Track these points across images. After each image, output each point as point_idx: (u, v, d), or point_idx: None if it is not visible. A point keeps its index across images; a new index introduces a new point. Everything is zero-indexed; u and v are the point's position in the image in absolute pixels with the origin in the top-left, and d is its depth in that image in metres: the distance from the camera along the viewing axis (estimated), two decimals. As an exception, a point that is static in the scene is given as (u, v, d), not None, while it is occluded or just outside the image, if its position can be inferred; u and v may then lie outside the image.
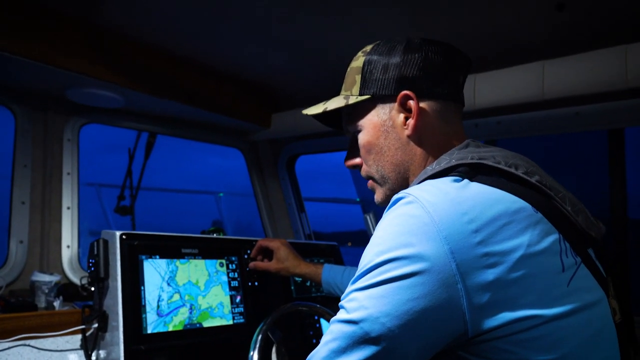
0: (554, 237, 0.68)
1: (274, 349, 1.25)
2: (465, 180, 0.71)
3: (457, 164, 0.75)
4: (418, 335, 0.64)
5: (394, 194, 0.76)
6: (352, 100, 0.87)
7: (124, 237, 1.30)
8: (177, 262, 1.38)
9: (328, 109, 0.91)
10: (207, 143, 2.37)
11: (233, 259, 1.52)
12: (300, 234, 2.40)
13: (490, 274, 0.62)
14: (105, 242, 1.30)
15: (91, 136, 2.11)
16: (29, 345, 1.21)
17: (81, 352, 1.27)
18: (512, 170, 0.73)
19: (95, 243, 1.30)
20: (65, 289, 1.54)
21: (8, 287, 1.57)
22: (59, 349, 1.25)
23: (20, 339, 1.19)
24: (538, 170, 0.76)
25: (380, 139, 0.86)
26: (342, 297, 0.72)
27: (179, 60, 1.75)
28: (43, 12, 1.39)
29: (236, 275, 1.50)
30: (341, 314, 0.70)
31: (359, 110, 0.88)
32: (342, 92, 0.91)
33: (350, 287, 0.71)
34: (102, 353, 1.26)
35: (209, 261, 1.46)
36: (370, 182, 0.93)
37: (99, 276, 1.27)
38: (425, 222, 0.65)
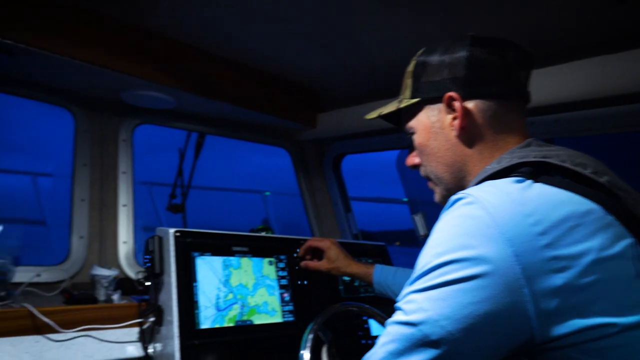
0: (627, 241, 0.64)
1: (324, 349, 1.25)
2: (529, 181, 0.68)
3: (519, 162, 0.73)
4: (479, 340, 0.63)
5: (450, 194, 0.75)
6: (404, 103, 0.90)
7: (177, 234, 1.34)
8: (229, 260, 1.41)
9: (383, 113, 0.96)
10: (254, 143, 2.40)
11: (282, 257, 1.54)
12: (347, 233, 2.39)
13: (558, 279, 0.60)
14: (160, 239, 1.34)
15: (144, 136, 2.18)
16: (91, 336, 1.26)
17: (139, 345, 1.32)
18: (580, 169, 0.69)
19: (150, 240, 1.34)
20: (123, 283, 1.60)
21: (71, 280, 1.66)
22: (118, 340, 1.30)
23: (83, 330, 1.25)
24: (607, 170, 0.72)
25: (430, 140, 0.87)
26: (399, 298, 0.71)
27: (226, 62, 1.78)
28: (99, 18, 1.45)
29: (285, 273, 1.52)
30: (399, 316, 0.69)
31: (412, 112, 0.90)
32: (400, 95, 0.93)
33: (407, 289, 0.70)
34: (158, 346, 1.30)
35: (258, 259, 1.48)
36: (429, 182, 0.94)
37: (154, 272, 1.32)
38: (487, 223, 0.63)
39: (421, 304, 0.66)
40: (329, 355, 1.26)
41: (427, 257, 0.69)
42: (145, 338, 1.30)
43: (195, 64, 1.71)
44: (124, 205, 1.88)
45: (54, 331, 1.21)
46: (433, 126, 0.87)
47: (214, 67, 1.76)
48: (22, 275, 1.53)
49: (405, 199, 2.46)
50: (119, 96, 1.77)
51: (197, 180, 2.17)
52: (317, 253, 1.55)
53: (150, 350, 1.30)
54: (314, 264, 1.51)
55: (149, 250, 1.34)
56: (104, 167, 1.88)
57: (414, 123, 0.90)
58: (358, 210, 2.46)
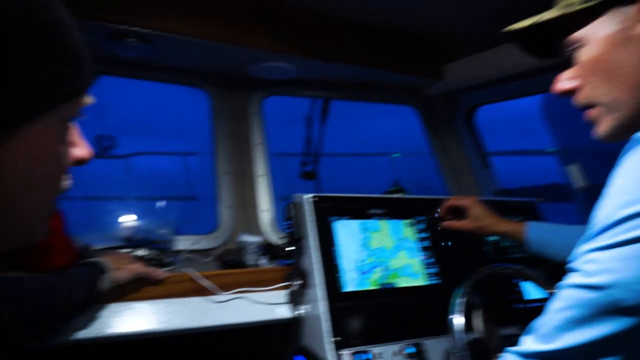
0: None
1: (476, 314, 1.17)
2: None
3: None
4: None
5: (625, 126, 0.60)
6: (576, 7, 0.71)
7: (314, 199, 1.35)
8: (367, 223, 1.39)
9: (543, 19, 0.76)
10: (379, 103, 2.33)
11: (421, 218, 1.47)
12: (487, 191, 2.22)
13: None
14: (298, 205, 1.37)
15: (274, 110, 2.25)
16: (245, 298, 1.35)
17: (288, 307, 1.37)
18: None
19: (289, 206, 1.37)
20: (268, 249, 1.69)
21: (223, 246, 1.80)
22: (268, 302, 1.37)
23: (237, 292, 1.34)
24: None
25: (612, 53, 0.69)
26: (572, 257, 0.61)
27: (344, 22, 1.73)
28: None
29: (426, 235, 1.45)
30: (576, 278, 0.59)
31: (583, 19, 0.72)
32: (559, 3, 0.75)
33: (585, 246, 0.59)
34: (306, 308, 1.34)
35: (396, 221, 1.43)
36: (591, 111, 0.75)
37: (295, 237, 1.35)
38: None
39: (607, 263, 0.55)
40: (482, 320, 1.17)
41: (609, 208, 0.57)
42: (294, 300, 1.35)
43: (314, 29, 1.68)
44: (261, 175, 1.97)
45: (213, 293, 1.31)
46: (617, 35, 0.69)
47: (333, 29, 1.72)
48: (182, 243, 1.69)
49: (553, 149, 2.19)
50: (246, 71, 1.83)
51: (325, 147, 2.19)
52: (459, 212, 1.45)
53: (299, 312, 1.35)
54: (456, 223, 1.42)
55: (288, 217, 1.38)
56: (240, 140, 1.98)
57: (585, 32, 0.72)
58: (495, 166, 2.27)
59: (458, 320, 1.11)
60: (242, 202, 1.92)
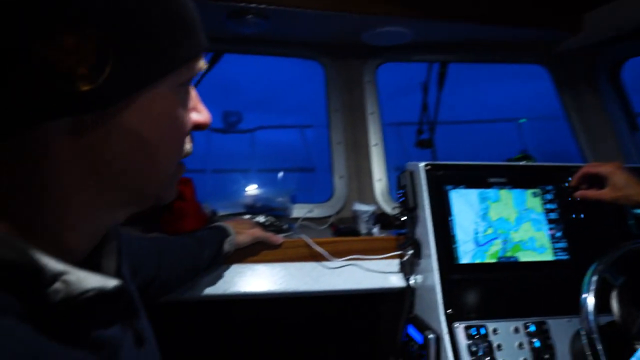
0: None
1: (613, 294, 1.04)
2: None
3: None
4: None
5: None
6: None
7: (428, 167, 1.29)
8: (486, 193, 1.30)
9: None
10: (503, 64, 2.14)
11: (549, 188, 1.33)
12: (634, 157, 1.94)
13: None
14: (411, 174, 1.33)
15: (387, 79, 2.19)
16: (357, 265, 1.36)
17: (400, 275, 1.36)
18: None
19: (402, 175, 1.34)
20: (381, 218, 1.68)
21: (337, 215, 1.83)
22: (380, 270, 1.37)
23: (350, 259, 1.36)
24: None
25: None
26: None
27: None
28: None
29: (554, 206, 1.31)
30: None
31: None
32: None
33: None
34: (418, 278, 1.31)
35: (520, 191, 1.32)
36: None
37: (408, 206, 1.32)
38: None
39: None
40: (620, 301, 1.04)
41: None
42: (406, 270, 1.33)
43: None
44: (375, 145, 1.95)
45: (326, 259, 1.34)
46: None
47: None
48: (299, 211, 1.76)
49: None
50: (360, 39, 1.80)
51: (443, 114, 2.08)
52: (596, 181, 1.28)
53: (411, 281, 1.32)
54: (593, 193, 1.26)
55: (401, 185, 1.35)
56: (354, 110, 1.97)
57: None
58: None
59: (591, 299, 0.99)
60: (355, 171, 1.93)
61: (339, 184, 1.90)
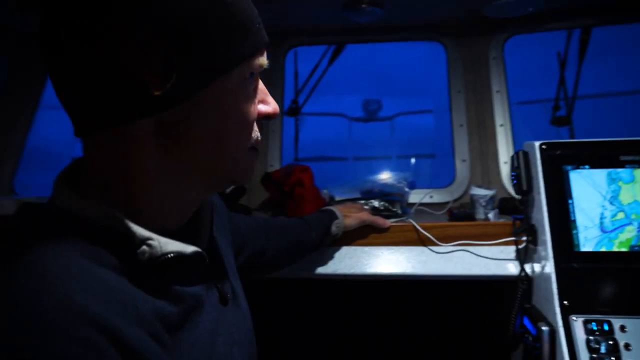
0: None
1: None
2: None
3: None
4: None
5: None
6: None
7: (543, 147, 1.19)
8: (617, 173, 1.14)
9: None
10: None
11: (702, 165, 1.11)
12: None
13: None
14: (525, 154, 1.23)
15: (512, 56, 2.03)
16: (468, 251, 1.32)
17: (515, 263, 1.28)
18: None
19: (515, 155, 1.25)
20: (504, 203, 1.59)
21: (458, 200, 1.78)
22: (494, 257, 1.30)
23: (459, 244, 1.32)
24: None
25: None
26: None
27: None
28: None
29: None
30: None
31: None
32: None
33: None
34: (535, 266, 1.23)
35: (662, 170, 1.13)
36: None
37: (521, 189, 1.23)
38: None
39: None
40: None
41: None
42: (521, 257, 1.25)
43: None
44: (501, 125, 1.83)
45: (435, 244, 1.33)
46: None
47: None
48: (417, 197, 1.76)
49: None
50: (483, 13, 1.70)
51: (583, 88, 1.85)
52: None
53: (527, 269, 1.24)
54: None
55: (514, 167, 1.26)
56: (477, 89, 1.88)
57: None
58: None
59: None
60: (479, 154, 1.84)
61: (461, 168, 1.84)
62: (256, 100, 0.64)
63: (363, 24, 1.87)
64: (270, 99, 0.66)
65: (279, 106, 1.96)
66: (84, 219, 0.54)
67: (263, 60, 0.62)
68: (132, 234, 0.55)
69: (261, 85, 0.65)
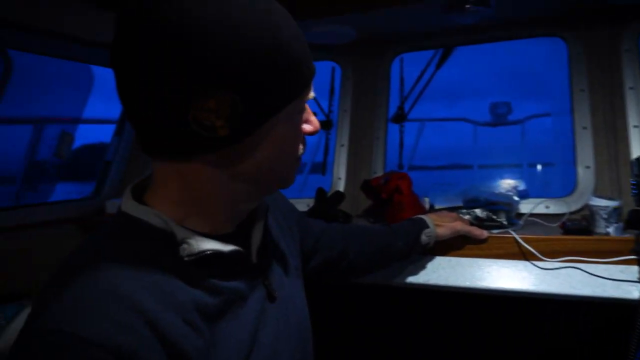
0: None
1: None
2: None
3: None
4: None
5: None
6: None
7: (672, 151, 1.02)
8: None
9: None
10: None
11: None
12: None
13: None
14: (647, 160, 1.07)
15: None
16: (578, 268, 1.18)
17: (636, 285, 1.11)
18: None
19: (636, 161, 1.09)
20: (634, 215, 1.38)
21: (576, 213, 1.59)
22: (611, 277, 1.14)
23: (567, 261, 1.19)
24: None
25: None
26: None
27: None
28: None
29: None
30: None
31: None
32: None
33: None
34: (661, 291, 1.05)
35: None
36: None
37: (642, 200, 1.06)
38: None
39: None
40: None
41: None
42: (644, 279, 1.08)
43: None
44: (635, 127, 1.59)
45: (539, 258, 1.22)
46: None
47: None
48: (528, 206, 1.62)
49: None
50: (612, 0, 1.52)
51: None
52: None
53: (651, 294, 1.06)
54: None
55: (634, 174, 1.10)
56: (606, 87, 1.66)
57: None
58: None
59: None
60: (607, 160, 1.62)
61: (584, 175, 1.64)
62: (303, 122, 0.71)
63: (470, 25, 1.79)
64: (313, 118, 0.73)
65: (383, 113, 1.98)
66: (140, 222, 0.64)
67: (311, 91, 0.69)
68: (175, 234, 0.63)
69: (306, 106, 0.71)
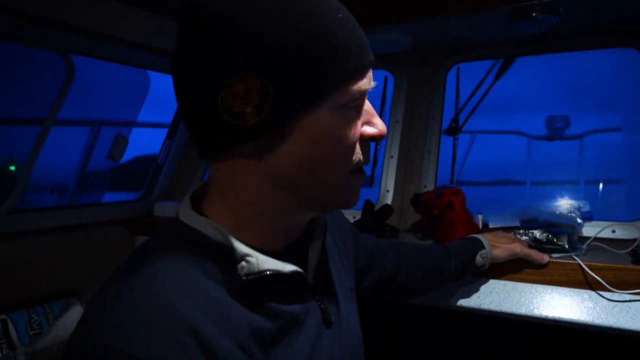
0: None
1: None
2: None
3: None
4: None
5: None
6: None
7: None
8: None
9: None
10: None
11: None
12: None
13: None
14: None
15: None
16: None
17: None
18: None
19: None
20: None
21: (649, 238, 1.46)
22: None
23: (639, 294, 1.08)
24: None
25: None
26: None
27: None
28: None
29: None
30: None
31: None
32: None
33: None
34: None
35: None
36: None
37: None
38: None
39: None
40: None
41: None
42: None
43: None
44: None
45: (606, 289, 1.11)
46: None
47: None
48: (594, 230, 1.50)
49: None
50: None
51: None
52: None
53: None
54: None
55: None
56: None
57: None
58: None
59: None
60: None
61: (658, 198, 1.51)
62: (359, 122, 0.63)
63: (535, 34, 1.70)
64: (377, 120, 0.64)
65: (437, 125, 1.91)
66: (198, 234, 0.61)
67: (363, 84, 0.60)
68: (234, 249, 0.59)
69: (367, 106, 0.64)
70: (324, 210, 0.69)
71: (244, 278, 0.59)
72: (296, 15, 0.55)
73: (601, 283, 1.11)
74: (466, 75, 1.97)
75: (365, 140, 0.64)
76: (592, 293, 1.13)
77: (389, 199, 1.91)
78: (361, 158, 0.64)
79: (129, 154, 2.09)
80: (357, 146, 0.62)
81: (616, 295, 1.10)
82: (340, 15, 0.58)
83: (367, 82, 0.61)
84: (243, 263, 0.59)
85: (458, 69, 1.98)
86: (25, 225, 1.65)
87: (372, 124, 0.64)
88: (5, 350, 1.55)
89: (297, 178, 0.61)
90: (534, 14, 1.51)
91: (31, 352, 1.59)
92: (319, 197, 0.64)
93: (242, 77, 0.54)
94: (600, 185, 2.68)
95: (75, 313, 1.73)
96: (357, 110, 0.62)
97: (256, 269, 0.59)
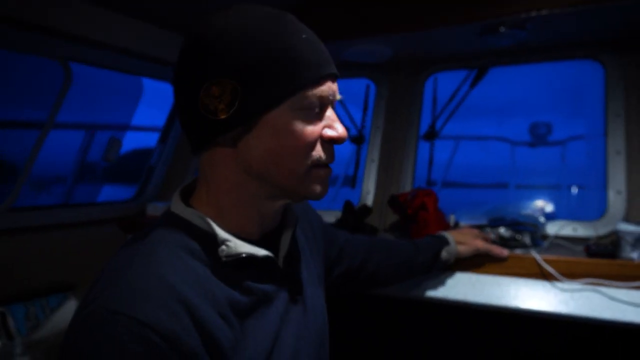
0: None
1: None
2: None
3: None
4: None
5: None
6: None
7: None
8: None
9: None
10: None
11: None
12: None
13: None
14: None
15: None
16: (599, 292, 1.18)
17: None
18: None
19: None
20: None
21: (605, 238, 1.57)
22: (633, 302, 1.14)
23: (587, 284, 1.19)
24: None
25: None
26: None
27: None
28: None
29: None
30: None
31: None
32: None
33: None
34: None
35: None
36: None
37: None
38: None
39: None
40: None
41: None
42: (665, 306, 1.07)
43: None
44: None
45: (557, 279, 1.22)
46: None
47: None
48: (555, 228, 1.62)
49: None
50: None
51: None
52: None
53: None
54: None
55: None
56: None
57: None
58: None
59: None
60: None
61: (615, 200, 1.62)
62: (320, 125, 0.73)
63: (505, 47, 1.82)
64: (338, 125, 0.75)
65: (415, 130, 2.02)
66: (187, 222, 0.73)
67: (321, 92, 0.71)
68: (215, 235, 0.71)
69: (330, 113, 0.75)
70: (291, 199, 0.79)
71: (224, 259, 0.71)
72: (264, 35, 0.68)
73: (553, 274, 1.23)
74: (448, 82, 2.09)
75: (326, 140, 0.75)
76: (546, 283, 1.25)
77: (369, 200, 2.02)
78: (322, 155, 0.74)
79: (126, 148, 2.18)
80: (318, 145, 0.74)
81: (567, 285, 1.22)
82: (304, 36, 0.71)
83: (327, 91, 0.72)
84: (223, 247, 0.71)
85: (435, 79, 2.10)
86: (24, 222, 1.74)
87: (332, 128, 0.75)
88: (3, 341, 1.64)
89: (265, 168, 0.72)
90: (502, 30, 1.63)
91: (28, 343, 1.68)
92: (285, 187, 0.74)
93: (218, 81, 0.68)
94: (575, 189, 2.81)
95: (70, 306, 1.82)
96: (319, 114, 0.73)
97: (234, 252, 0.71)
